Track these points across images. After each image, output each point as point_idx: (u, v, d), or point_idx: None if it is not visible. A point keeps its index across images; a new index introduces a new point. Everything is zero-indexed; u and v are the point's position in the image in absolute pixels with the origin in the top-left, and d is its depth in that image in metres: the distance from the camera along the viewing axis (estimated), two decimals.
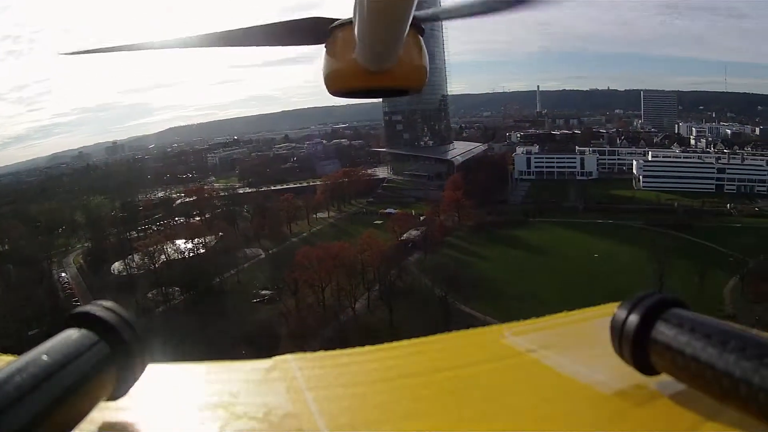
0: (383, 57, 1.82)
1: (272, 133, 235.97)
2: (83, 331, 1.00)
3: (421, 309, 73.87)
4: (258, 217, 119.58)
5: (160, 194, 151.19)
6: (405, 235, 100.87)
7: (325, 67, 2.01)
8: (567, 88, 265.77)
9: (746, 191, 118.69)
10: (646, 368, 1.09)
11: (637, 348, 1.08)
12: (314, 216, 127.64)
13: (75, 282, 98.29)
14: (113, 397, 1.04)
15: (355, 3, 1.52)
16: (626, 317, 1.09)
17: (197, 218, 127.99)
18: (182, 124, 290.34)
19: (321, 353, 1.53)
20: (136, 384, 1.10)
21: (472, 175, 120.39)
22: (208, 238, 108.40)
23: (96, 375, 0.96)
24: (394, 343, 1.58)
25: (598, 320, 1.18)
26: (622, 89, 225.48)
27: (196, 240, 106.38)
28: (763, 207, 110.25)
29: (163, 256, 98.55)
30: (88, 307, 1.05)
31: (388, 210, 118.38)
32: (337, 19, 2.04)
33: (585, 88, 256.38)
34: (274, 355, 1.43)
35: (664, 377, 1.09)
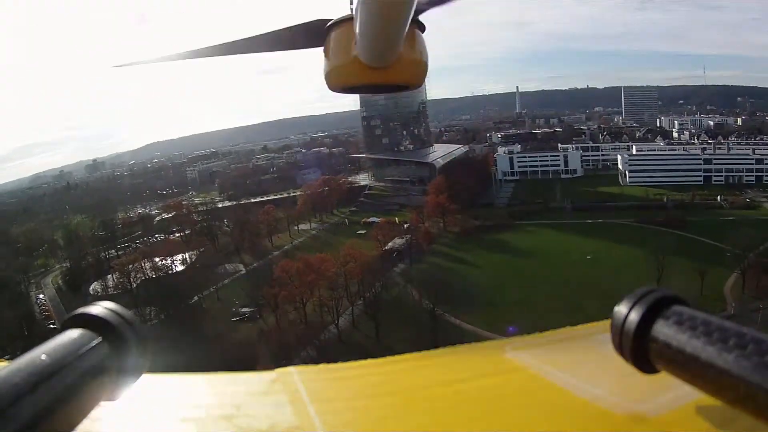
0: (384, 53, 1.80)
1: (252, 144, 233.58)
2: (83, 331, 0.98)
3: (408, 323, 70.72)
4: (238, 231, 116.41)
5: (140, 211, 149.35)
6: (389, 244, 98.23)
7: (326, 63, 1.98)
8: (546, 88, 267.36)
9: (734, 182, 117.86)
10: (646, 366, 1.09)
11: (637, 346, 1.07)
12: (296, 228, 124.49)
13: (52, 303, 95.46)
14: (113, 397, 1.02)
15: None
16: (626, 315, 1.10)
17: (176, 234, 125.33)
18: (162, 139, 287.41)
19: (324, 366, 1.53)
20: (139, 393, 1.08)
21: (454, 177, 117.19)
22: (187, 255, 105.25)
23: (96, 375, 0.94)
24: (397, 357, 1.58)
25: (598, 335, 1.17)
26: (602, 87, 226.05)
27: (174, 257, 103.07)
28: (753, 197, 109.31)
29: (140, 275, 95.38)
30: (89, 307, 1.03)
31: (371, 219, 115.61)
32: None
33: (564, 88, 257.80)
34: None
35: (664, 375, 1.08)
